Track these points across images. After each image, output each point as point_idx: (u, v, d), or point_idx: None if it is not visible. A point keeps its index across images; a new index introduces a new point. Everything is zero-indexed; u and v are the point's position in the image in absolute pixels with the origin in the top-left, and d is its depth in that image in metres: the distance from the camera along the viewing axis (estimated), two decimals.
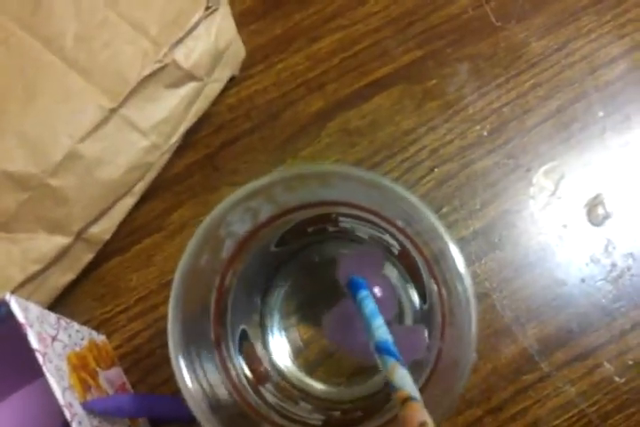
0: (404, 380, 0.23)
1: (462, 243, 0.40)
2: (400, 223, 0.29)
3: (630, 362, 0.38)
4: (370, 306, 0.27)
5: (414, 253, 0.30)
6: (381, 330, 0.26)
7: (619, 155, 0.42)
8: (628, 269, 0.40)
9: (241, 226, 0.29)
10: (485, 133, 0.42)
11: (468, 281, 0.26)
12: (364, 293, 0.27)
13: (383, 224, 0.30)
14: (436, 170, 0.42)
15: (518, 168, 0.42)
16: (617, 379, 0.38)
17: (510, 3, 0.45)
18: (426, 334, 0.29)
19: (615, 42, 0.44)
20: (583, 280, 0.40)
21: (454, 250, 0.26)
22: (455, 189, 0.42)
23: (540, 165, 0.42)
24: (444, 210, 0.41)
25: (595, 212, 0.41)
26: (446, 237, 0.26)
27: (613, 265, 0.40)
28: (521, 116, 0.43)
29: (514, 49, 0.44)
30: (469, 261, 0.40)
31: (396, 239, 0.31)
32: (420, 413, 0.21)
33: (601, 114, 0.43)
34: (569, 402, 0.38)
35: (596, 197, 0.41)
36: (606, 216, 0.41)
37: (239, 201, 0.27)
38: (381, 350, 0.24)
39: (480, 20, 0.45)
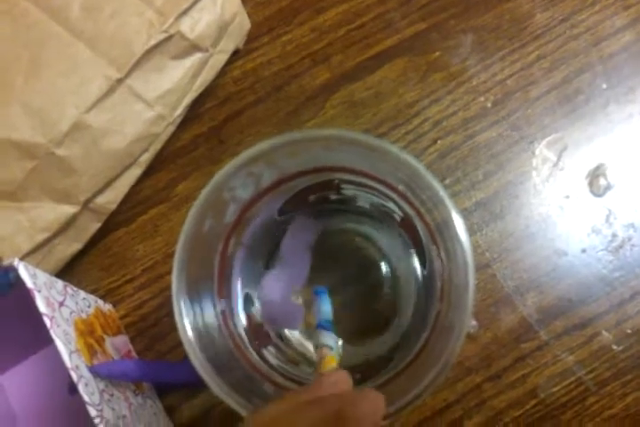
0: (325, 337, 0.31)
1: (464, 214, 0.41)
2: (402, 188, 0.29)
3: (629, 331, 0.39)
4: (325, 303, 0.34)
5: (416, 219, 0.31)
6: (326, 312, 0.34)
7: (621, 127, 0.42)
8: (629, 239, 0.40)
9: (244, 191, 0.30)
10: (489, 105, 0.43)
11: (467, 246, 0.26)
12: (324, 295, 0.34)
13: (386, 191, 0.31)
14: (439, 141, 0.42)
15: (522, 140, 0.42)
16: (615, 347, 0.38)
17: None
18: (302, 312, 0.37)
19: (620, 13, 0.44)
20: (584, 250, 0.40)
21: (456, 215, 0.26)
22: (458, 161, 0.42)
23: (543, 137, 0.42)
24: (447, 181, 0.41)
25: (597, 183, 0.41)
26: (449, 204, 0.26)
27: (614, 235, 0.40)
28: (525, 88, 0.43)
29: (518, 20, 0.44)
30: (471, 232, 0.40)
31: (399, 206, 0.32)
32: (325, 352, 0.30)
33: (605, 86, 0.43)
34: (567, 370, 0.38)
35: (597, 169, 0.41)
36: (608, 187, 0.41)
37: (241, 165, 0.27)
38: (320, 326, 0.33)
39: None
